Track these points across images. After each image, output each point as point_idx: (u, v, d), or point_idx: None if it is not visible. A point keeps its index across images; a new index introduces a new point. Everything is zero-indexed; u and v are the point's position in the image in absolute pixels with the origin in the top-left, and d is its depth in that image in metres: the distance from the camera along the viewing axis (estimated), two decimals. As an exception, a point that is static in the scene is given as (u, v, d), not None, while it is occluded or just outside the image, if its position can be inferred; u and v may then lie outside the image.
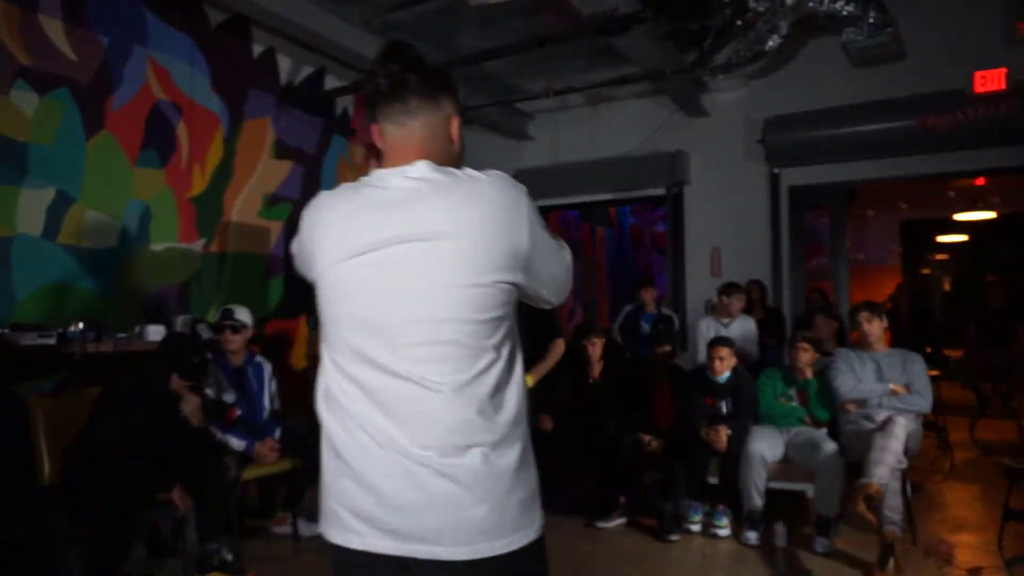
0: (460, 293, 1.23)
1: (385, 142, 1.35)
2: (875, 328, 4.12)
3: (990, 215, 10.54)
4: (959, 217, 10.77)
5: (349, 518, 1.29)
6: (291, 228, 4.85)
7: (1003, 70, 5.31)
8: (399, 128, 1.32)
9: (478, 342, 1.25)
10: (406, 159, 1.30)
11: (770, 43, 5.21)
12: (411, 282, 1.25)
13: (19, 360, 3.51)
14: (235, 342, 4.02)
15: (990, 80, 5.33)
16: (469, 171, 1.30)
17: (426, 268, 1.24)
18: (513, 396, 1.30)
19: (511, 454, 1.27)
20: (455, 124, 1.37)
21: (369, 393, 1.27)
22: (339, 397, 1.30)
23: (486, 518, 1.23)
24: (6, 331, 3.45)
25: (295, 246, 1.41)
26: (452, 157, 1.37)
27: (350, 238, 1.28)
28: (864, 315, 4.15)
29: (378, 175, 1.32)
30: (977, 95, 5.32)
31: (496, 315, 1.27)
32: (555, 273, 1.36)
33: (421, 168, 1.28)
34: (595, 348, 4.67)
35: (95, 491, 3.02)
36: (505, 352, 1.30)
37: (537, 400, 5.35)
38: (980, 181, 8.31)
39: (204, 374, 3.63)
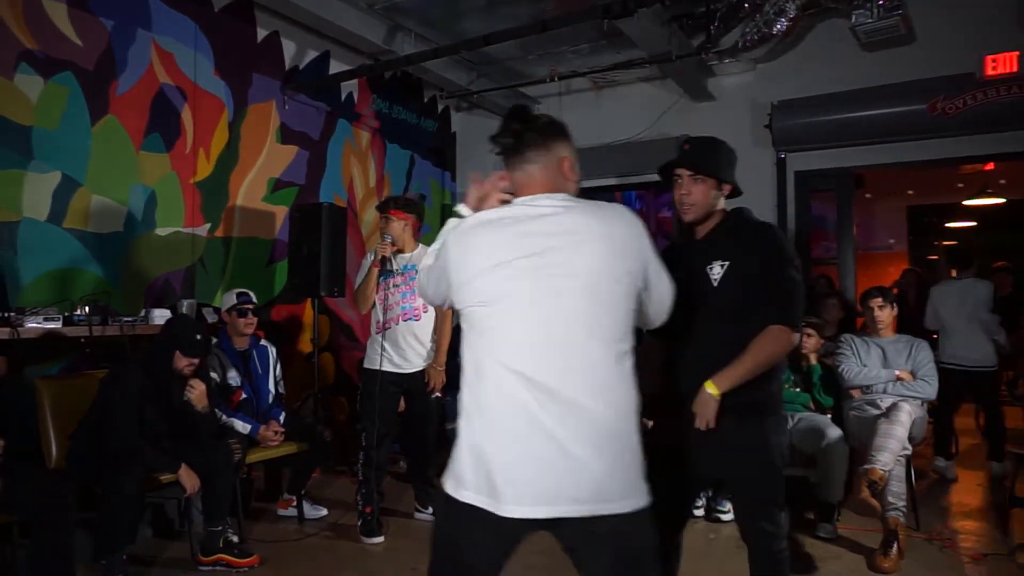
0: None
1: (512, 183, 1.69)
2: (885, 315, 4.11)
3: (999, 201, 10.45)
4: (967, 203, 10.68)
5: None
6: (294, 211, 4.84)
7: (1015, 53, 5.25)
8: (522, 173, 1.66)
9: None
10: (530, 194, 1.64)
11: (777, 26, 5.18)
12: None
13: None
14: (253, 325, 4.06)
15: (1001, 63, 5.27)
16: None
17: None
18: None
19: None
20: (566, 164, 1.67)
21: None
22: None
23: None
24: (12, 315, 3.47)
25: None
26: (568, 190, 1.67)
27: None
28: (876, 301, 4.12)
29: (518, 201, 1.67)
30: (988, 78, 5.26)
31: None
32: None
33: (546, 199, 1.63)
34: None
35: (101, 473, 3.05)
36: None
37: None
38: (990, 166, 8.23)
39: (207, 352, 3.64)
